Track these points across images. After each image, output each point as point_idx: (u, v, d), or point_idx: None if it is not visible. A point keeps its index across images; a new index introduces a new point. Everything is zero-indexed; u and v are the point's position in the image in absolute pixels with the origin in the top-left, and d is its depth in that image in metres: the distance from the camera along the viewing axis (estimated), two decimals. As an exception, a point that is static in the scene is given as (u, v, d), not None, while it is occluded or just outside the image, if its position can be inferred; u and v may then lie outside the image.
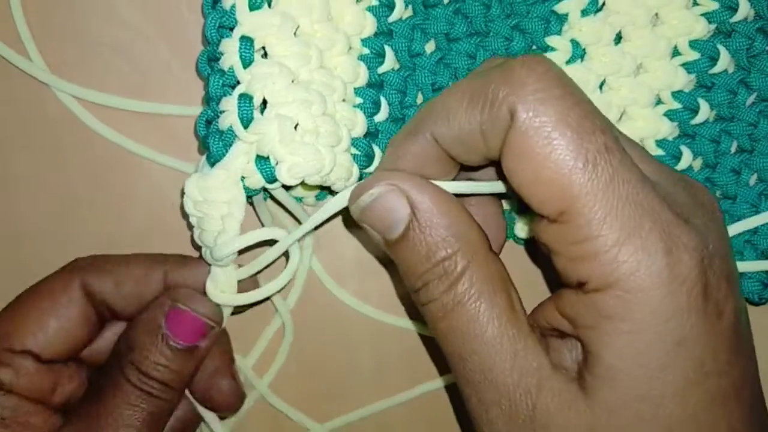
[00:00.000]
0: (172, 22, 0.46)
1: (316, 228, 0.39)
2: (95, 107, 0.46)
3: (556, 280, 0.32)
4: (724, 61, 0.42)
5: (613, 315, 0.29)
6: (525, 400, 0.30)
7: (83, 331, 0.40)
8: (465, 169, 0.36)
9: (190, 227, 0.39)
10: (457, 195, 0.34)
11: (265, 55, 0.38)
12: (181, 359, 0.39)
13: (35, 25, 0.46)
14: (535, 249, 0.42)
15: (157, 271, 0.41)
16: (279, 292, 0.41)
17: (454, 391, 0.48)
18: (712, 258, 0.30)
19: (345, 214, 0.36)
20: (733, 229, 0.42)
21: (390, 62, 0.42)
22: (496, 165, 0.32)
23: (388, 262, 0.47)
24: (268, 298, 0.42)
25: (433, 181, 0.34)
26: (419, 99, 0.43)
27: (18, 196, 0.47)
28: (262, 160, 0.37)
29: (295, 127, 0.36)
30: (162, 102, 0.46)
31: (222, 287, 0.39)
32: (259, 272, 0.40)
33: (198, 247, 0.39)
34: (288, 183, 0.37)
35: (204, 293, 0.40)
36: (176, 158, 0.47)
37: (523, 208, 0.41)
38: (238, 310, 0.42)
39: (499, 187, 0.35)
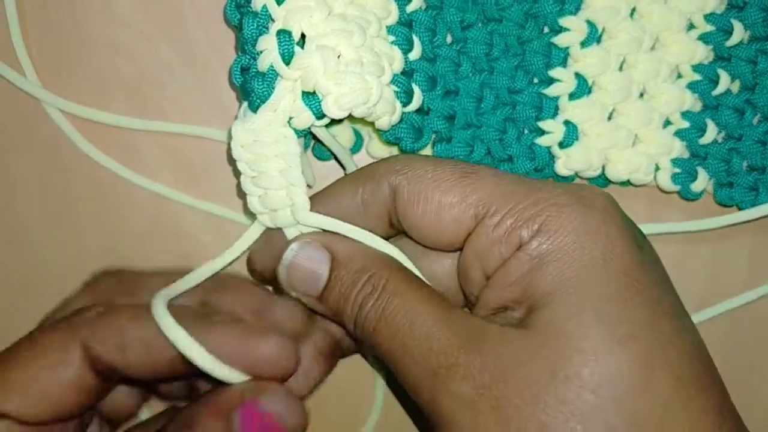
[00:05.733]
0: (172, 21, 0.45)
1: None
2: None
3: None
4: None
5: (541, 252, 0.32)
6: (471, 354, 0.31)
7: (76, 397, 0.35)
8: None
9: (237, 174, 0.37)
10: None
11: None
12: None
13: (33, 24, 0.45)
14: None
15: None
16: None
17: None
18: (618, 208, 0.33)
19: None
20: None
21: (417, 1, 0.41)
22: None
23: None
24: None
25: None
26: (449, 39, 0.42)
27: (17, 198, 0.46)
28: (309, 96, 0.36)
29: (338, 58, 0.35)
30: (161, 103, 0.46)
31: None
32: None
33: (243, 195, 0.38)
34: (336, 116, 0.35)
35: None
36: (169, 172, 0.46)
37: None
38: None
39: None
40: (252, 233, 0.38)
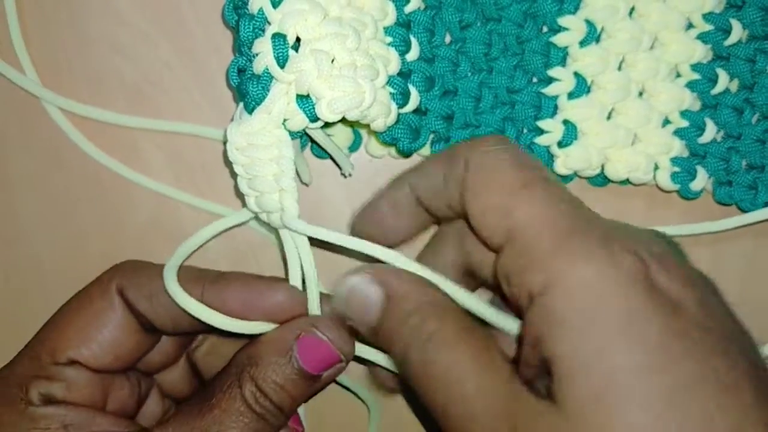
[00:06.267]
0: (171, 20, 0.45)
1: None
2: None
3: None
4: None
5: (559, 313, 0.29)
6: (506, 423, 0.30)
7: (130, 340, 0.38)
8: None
9: (234, 175, 0.37)
10: None
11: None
12: (301, 386, 0.36)
13: (32, 22, 0.45)
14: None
15: (194, 290, 0.37)
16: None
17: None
18: (654, 255, 0.30)
19: None
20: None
21: (416, 1, 0.41)
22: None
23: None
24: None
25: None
26: (447, 38, 0.42)
27: (16, 196, 0.46)
28: (303, 99, 0.36)
29: (332, 62, 0.35)
30: (160, 102, 0.46)
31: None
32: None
33: (241, 194, 0.38)
34: (329, 119, 0.36)
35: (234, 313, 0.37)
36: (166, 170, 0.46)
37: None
38: None
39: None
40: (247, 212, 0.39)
